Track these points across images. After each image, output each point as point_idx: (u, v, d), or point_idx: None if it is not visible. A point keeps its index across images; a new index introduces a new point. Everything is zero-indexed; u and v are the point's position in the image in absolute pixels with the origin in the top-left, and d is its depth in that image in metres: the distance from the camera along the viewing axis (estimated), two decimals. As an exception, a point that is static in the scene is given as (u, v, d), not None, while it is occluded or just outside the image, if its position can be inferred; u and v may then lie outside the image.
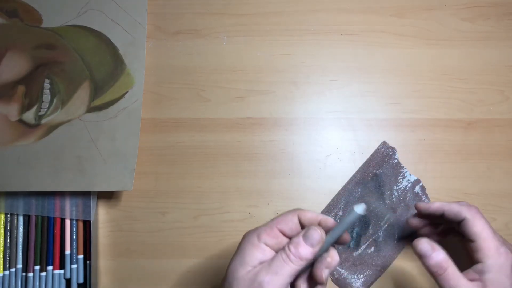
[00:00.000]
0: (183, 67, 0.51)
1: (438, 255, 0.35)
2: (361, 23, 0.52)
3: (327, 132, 0.50)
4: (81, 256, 0.46)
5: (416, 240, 0.36)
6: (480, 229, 0.37)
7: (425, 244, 0.36)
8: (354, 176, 0.48)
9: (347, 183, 0.48)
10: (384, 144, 0.49)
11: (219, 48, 0.51)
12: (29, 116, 0.46)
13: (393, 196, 0.48)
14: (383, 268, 0.47)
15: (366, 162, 0.49)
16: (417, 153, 0.49)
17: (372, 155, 0.49)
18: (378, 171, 0.48)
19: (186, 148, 0.50)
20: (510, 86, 0.50)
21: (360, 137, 0.50)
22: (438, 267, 0.35)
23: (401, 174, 0.48)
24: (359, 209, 0.34)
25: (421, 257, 0.36)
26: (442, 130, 0.50)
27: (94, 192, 0.47)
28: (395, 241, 0.47)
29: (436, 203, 0.40)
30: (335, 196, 0.48)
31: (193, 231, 0.48)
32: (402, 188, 0.48)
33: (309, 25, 0.52)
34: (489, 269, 0.35)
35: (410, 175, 0.48)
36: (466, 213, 0.38)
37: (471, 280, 0.35)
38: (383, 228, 0.47)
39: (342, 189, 0.48)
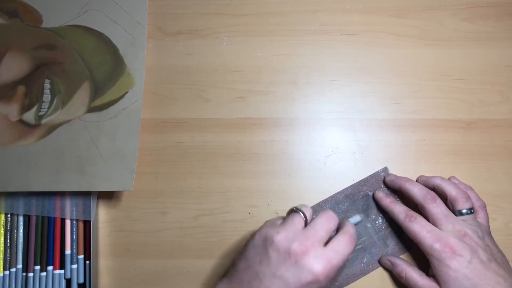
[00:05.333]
0: (183, 67, 0.51)
1: (396, 269, 0.45)
2: (361, 23, 0.52)
3: (327, 132, 0.50)
4: (81, 256, 0.46)
5: (381, 257, 0.47)
6: (412, 236, 0.42)
7: (386, 262, 0.46)
8: (345, 189, 0.48)
9: (337, 194, 0.48)
10: (385, 169, 0.49)
11: (219, 48, 0.51)
12: (29, 116, 0.46)
13: (377, 222, 0.48)
14: (340, 285, 0.46)
15: (361, 180, 0.48)
16: (417, 153, 0.49)
17: (370, 176, 0.49)
18: (370, 193, 0.48)
19: (186, 148, 0.50)
20: (510, 86, 0.50)
21: (360, 137, 0.50)
22: (398, 276, 0.44)
23: None
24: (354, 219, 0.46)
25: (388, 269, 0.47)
26: (442, 130, 0.50)
27: (94, 192, 0.47)
28: (362, 264, 0.47)
29: (402, 179, 0.46)
30: (321, 201, 0.48)
31: (193, 231, 0.48)
32: (389, 219, 0.47)
33: (309, 25, 0.52)
34: (433, 265, 0.41)
35: None
36: (400, 218, 0.44)
37: (432, 275, 0.42)
38: (355, 248, 0.46)
39: (330, 197, 0.48)
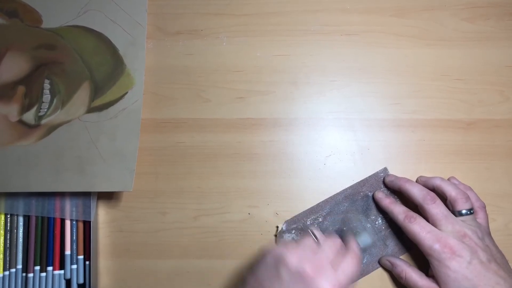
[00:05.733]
0: (183, 67, 0.51)
1: (395, 269, 0.45)
2: (361, 23, 0.52)
3: (327, 132, 0.50)
4: (81, 257, 0.46)
5: (381, 258, 0.47)
6: (412, 236, 0.42)
7: (386, 262, 0.46)
8: (345, 189, 0.48)
9: (337, 194, 0.48)
10: (385, 169, 0.49)
11: (219, 48, 0.51)
12: (29, 116, 0.46)
13: (377, 223, 0.48)
14: None
15: (361, 181, 0.48)
16: (417, 153, 0.49)
17: (370, 176, 0.48)
18: (370, 193, 0.48)
19: (186, 149, 0.50)
20: (510, 86, 0.50)
21: (360, 138, 0.50)
22: (398, 277, 0.45)
23: None
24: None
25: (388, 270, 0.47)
26: (442, 130, 0.50)
27: (94, 192, 0.47)
28: (362, 265, 0.47)
29: (402, 181, 0.46)
30: (321, 202, 0.48)
31: (193, 231, 0.48)
32: (389, 219, 0.47)
33: (309, 25, 0.52)
34: (432, 266, 0.41)
35: None
36: (399, 218, 0.44)
37: (432, 275, 0.42)
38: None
39: (330, 197, 0.48)
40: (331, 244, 0.41)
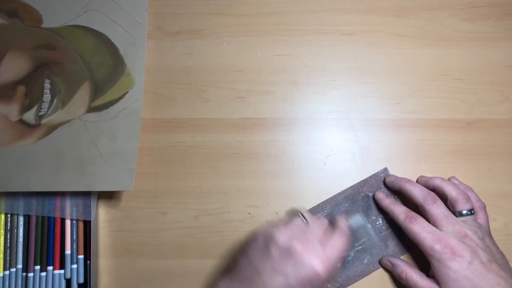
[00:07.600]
0: (183, 67, 0.51)
1: (396, 269, 0.45)
2: (361, 23, 0.52)
3: (327, 132, 0.50)
4: (81, 256, 0.46)
5: (381, 258, 0.47)
6: (413, 237, 0.42)
7: (386, 262, 0.46)
8: (345, 190, 0.48)
9: (337, 195, 0.48)
10: (385, 170, 0.49)
11: (219, 48, 0.51)
12: (30, 116, 0.46)
13: (377, 223, 0.48)
14: (341, 286, 0.46)
15: (361, 181, 0.48)
16: (417, 153, 0.49)
17: (370, 176, 0.48)
18: (370, 193, 0.48)
19: (186, 148, 0.50)
20: (510, 86, 0.50)
21: (360, 137, 0.50)
22: (399, 277, 0.45)
23: None
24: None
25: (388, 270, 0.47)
26: (442, 130, 0.50)
27: (94, 192, 0.47)
28: (362, 265, 0.47)
29: (403, 180, 0.46)
30: (321, 202, 0.48)
31: (193, 231, 0.48)
32: (389, 219, 0.47)
33: (309, 25, 0.52)
34: (433, 266, 0.41)
35: None
36: (400, 219, 0.44)
37: (432, 276, 0.42)
38: (356, 249, 0.47)
39: (330, 198, 0.48)
40: (319, 224, 0.42)
